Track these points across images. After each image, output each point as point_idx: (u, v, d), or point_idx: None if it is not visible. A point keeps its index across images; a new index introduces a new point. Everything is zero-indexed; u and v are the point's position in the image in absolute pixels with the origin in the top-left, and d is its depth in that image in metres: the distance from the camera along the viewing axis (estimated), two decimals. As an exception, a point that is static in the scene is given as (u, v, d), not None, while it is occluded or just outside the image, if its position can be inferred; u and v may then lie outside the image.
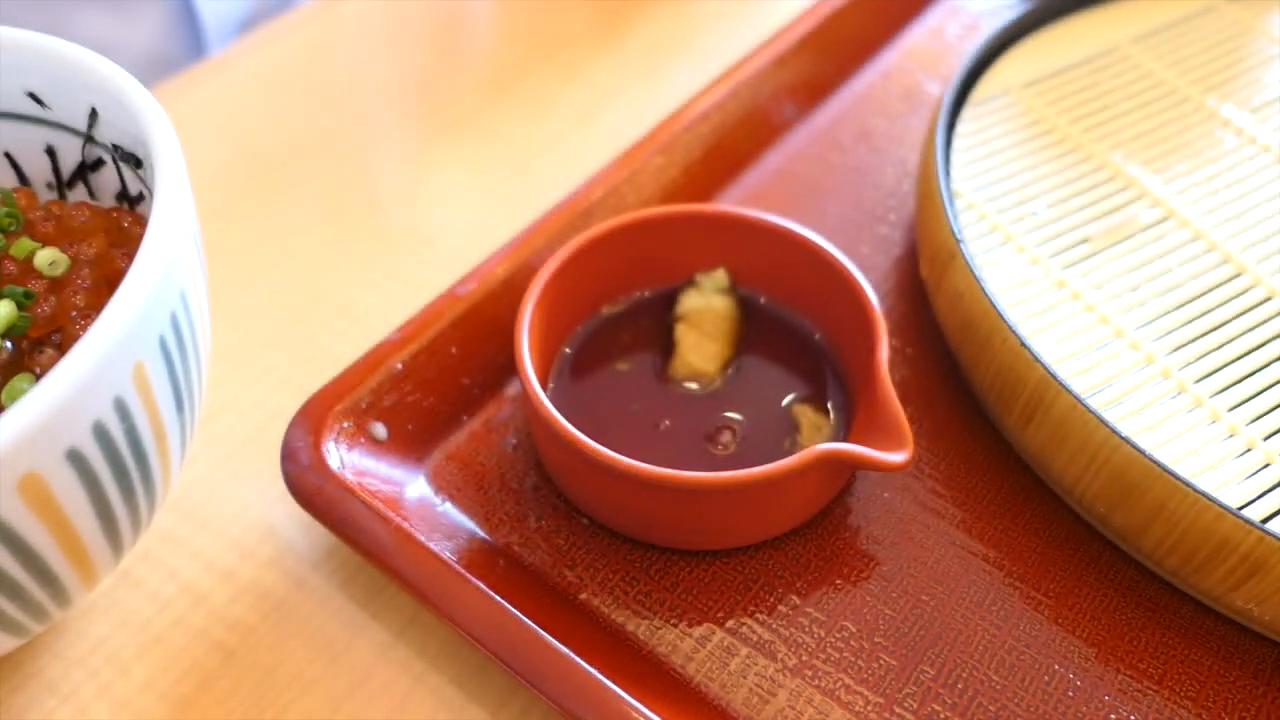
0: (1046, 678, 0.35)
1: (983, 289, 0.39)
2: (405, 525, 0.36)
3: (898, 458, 0.34)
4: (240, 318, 0.46)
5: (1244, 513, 0.34)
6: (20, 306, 0.33)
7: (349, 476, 0.37)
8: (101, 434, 0.28)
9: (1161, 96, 0.49)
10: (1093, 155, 0.46)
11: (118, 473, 0.30)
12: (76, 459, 0.28)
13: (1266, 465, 0.36)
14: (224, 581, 0.38)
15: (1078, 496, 0.37)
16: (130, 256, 0.34)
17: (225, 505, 0.40)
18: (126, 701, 0.35)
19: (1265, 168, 0.46)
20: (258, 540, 0.39)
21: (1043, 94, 0.49)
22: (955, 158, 0.46)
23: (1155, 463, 0.34)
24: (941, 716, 0.34)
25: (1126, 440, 0.35)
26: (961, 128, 0.47)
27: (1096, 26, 0.52)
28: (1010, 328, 0.38)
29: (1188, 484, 0.34)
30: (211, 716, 0.35)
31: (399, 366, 0.40)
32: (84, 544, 0.30)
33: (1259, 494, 0.35)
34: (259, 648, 0.37)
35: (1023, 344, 0.37)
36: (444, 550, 0.35)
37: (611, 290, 0.43)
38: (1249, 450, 0.37)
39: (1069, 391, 0.36)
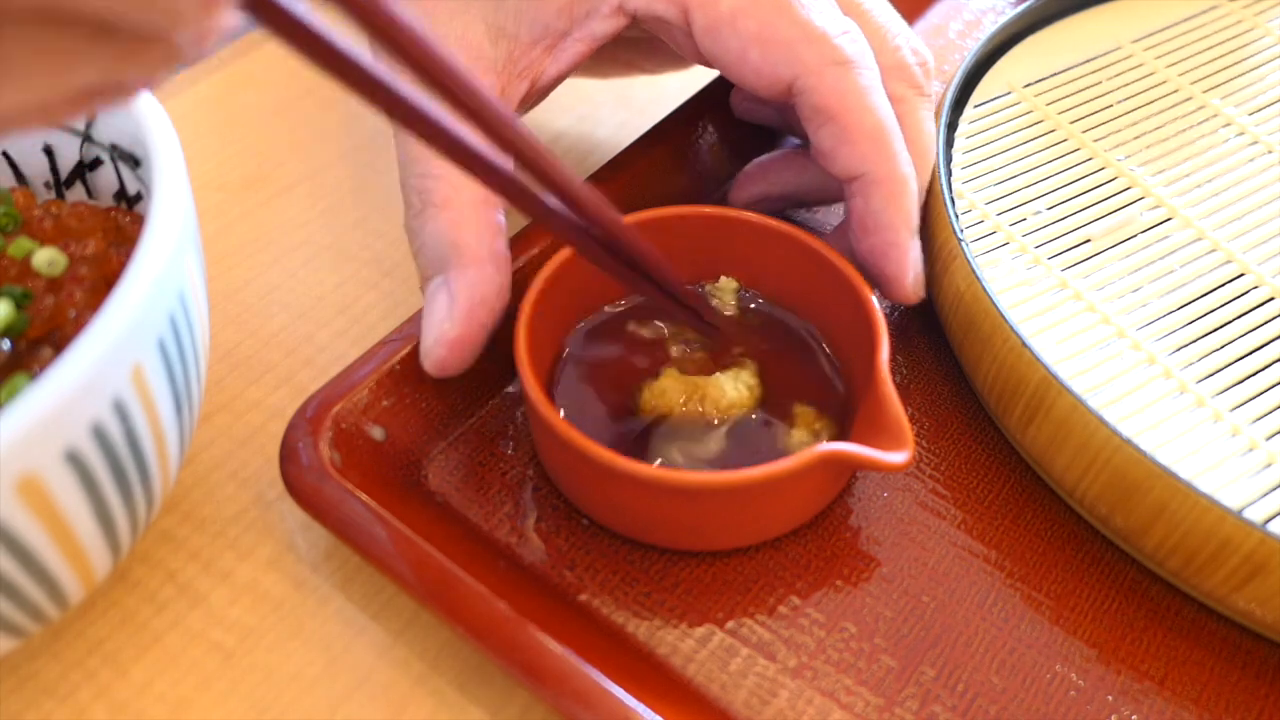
0: (1048, 678, 0.35)
1: (984, 289, 0.39)
2: (404, 526, 0.36)
3: (898, 458, 0.34)
4: (239, 317, 0.46)
5: (1246, 513, 0.34)
6: (19, 306, 0.33)
7: (348, 477, 0.37)
8: (100, 435, 0.28)
9: (1163, 96, 0.49)
10: (1094, 155, 0.46)
11: (116, 474, 0.30)
12: (74, 460, 0.28)
13: (1269, 465, 0.36)
14: (222, 582, 0.38)
15: (1079, 497, 0.37)
16: (129, 256, 0.34)
17: (224, 506, 0.40)
18: (125, 703, 0.35)
19: (1268, 168, 0.46)
20: (256, 541, 0.39)
21: (1044, 93, 0.49)
22: (956, 157, 0.46)
23: (1156, 464, 0.34)
24: (942, 718, 0.34)
25: (1128, 441, 0.35)
26: (963, 127, 0.47)
27: (1098, 26, 0.52)
28: (1011, 328, 0.38)
29: (1189, 485, 0.34)
30: (210, 717, 0.35)
31: (397, 367, 0.40)
32: (82, 545, 0.30)
33: (1262, 494, 0.35)
34: (258, 649, 0.36)
35: (1024, 344, 0.37)
36: (443, 551, 0.35)
37: (612, 290, 0.43)
38: (1252, 450, 0.37)
39: (1070, 392, 0.36)
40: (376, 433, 0.39)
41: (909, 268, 0.40)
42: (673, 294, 0.38)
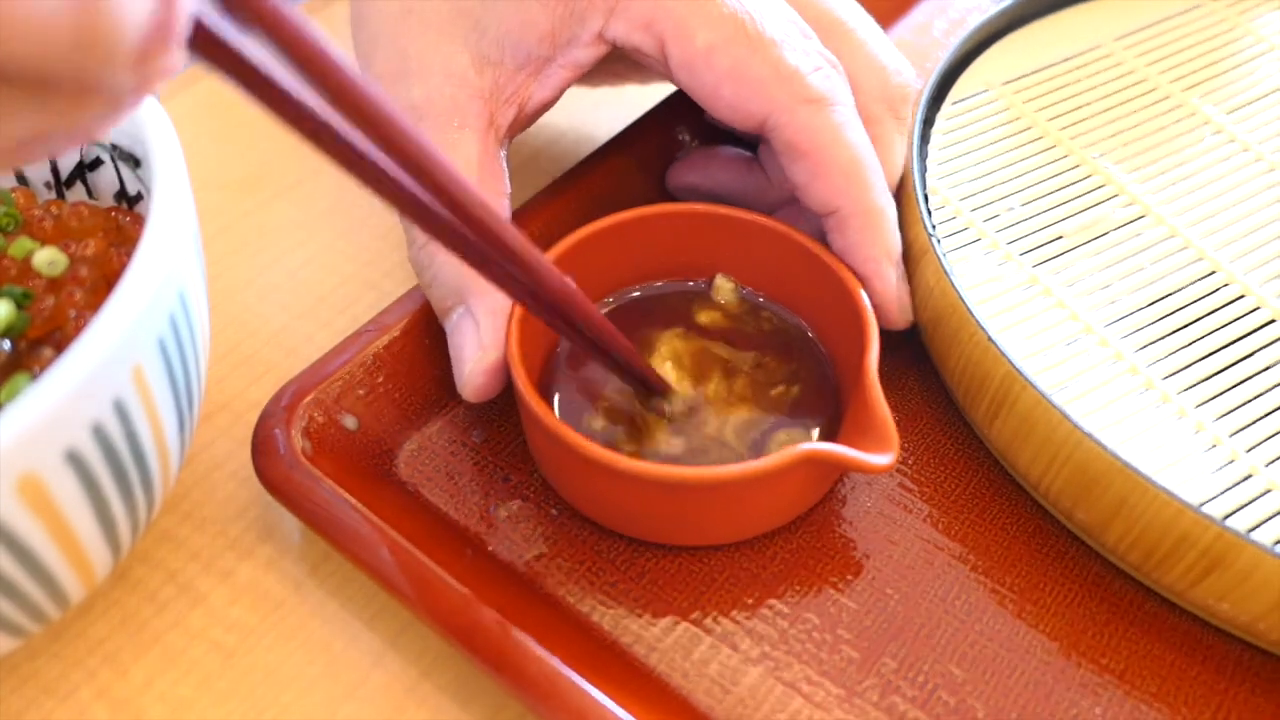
0: (1006, 671, 0.36)
1: (952, 284, 0.39)
2: (372, 514, 0.36)
3: (882, 460, 0.34)
4: (239, 318, 0.46)
5: (1206, 508, 0.34)
6: (19, 306, 0.33)
7: (319, 466, 0.37)
8: (100, 435, 0.28)
9: (1143, 95, 0.49)
10: (1071, 153, 0.47)
11: (116, 474, 0.30)
12: (75, 460, 0.28)
13: (1231, 461, 0.37)
14: (222, 582, 0.38)
15: (1043, 491, 0.38)
16: (129, 256, 0.34)
17: (224, 506, 0.40)
18: (125, 702, 0.35)
19: (1244, 166, 0.46)
20: (256, 541, 0.39)
21: (1022, 91, 0.49)
22: (932, 154, 0.46)
23: (1116, 458, 0.34)
24: (901, 708, 0.35)
25: (1088, 435, 0.35)
26: (940, 124, 0.47)
27: (1080, 24, 0.52)
28: (978, 323, 0.38)
29: (1148, 479, 0.34)
30: (210, 717, 0.35)
31: (371, 357, 0.40)
32: (82, 545, 0.30)
33: (1223, 490, 0.36)
34: (258, 649, 0.37)
35: (989, 339, 0.38)
36: (410, 539, 0.36)
37: (606, 286, 0.43)
38: (1215, 446, 0.37)
39: (1034, 387, 0.36)
40: (349, 422, 0.39)
41: (892, 296, 0.40)
42: (619, 361, 0.38)
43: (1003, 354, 0.37)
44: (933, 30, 0.58)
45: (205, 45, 0.22)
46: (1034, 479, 0.38)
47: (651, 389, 0.39)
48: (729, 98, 0.39)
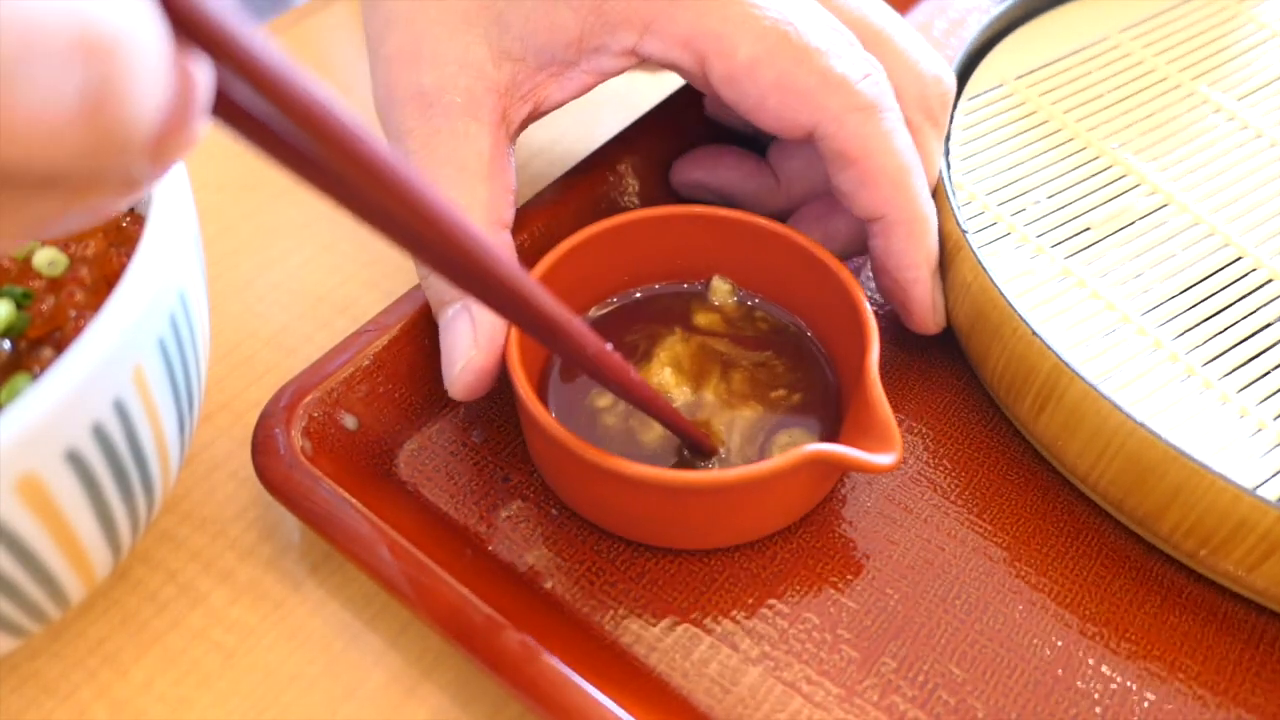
0: (1006, 671, 0.35)
1: (990, 280, 0.39)
2: (372, 514, 0.36)
3: (885, 460, 0.34)
4: (239, 317, 0.46)
5: (1259, 492, 0.34)
6: (19, 306, 0.33)
7: (319, 465, 0.37)
8: (100, 435, 0.28)
9: (1153, 84, 0.50)
10: (1089, 144, 0.47)
11: (116, 474, 0.30)
12: (75, 460, 0.28)
13: (1278, 445, 0.36)
14: (223, 582, 0.38)
15: (1093, 483, 0.38)
16: (129, 256, 0.35)
17: (224, 506, 0.40)
18: (125, 702, 0.35)
19: (1258, 152, 0.47)
20: (256, 541, 0.39)
21: (1036, 84, 0.49)
22: (954, 150, 0.46)
23: (1172, 446, 0.34)
24: (900, 709, 0.34)
25: (1141, 425, 0.35)
26: (959, 120, 0.47)
27: (1086, 16, 0.52)
28: (1020, 317, 0.38)
29: (1205, 466, 0.34)
30: (210, 717, 0.35)
31: (371, 357, 0.40)
32: (82, 545, 0.30)
33: (1272, 474, 0.36)
34: (258, 649, 0.37)
35: (1033, 333, 0.37)
36: (410, 539, 0.35)
37: (603, 289, 0.43)
38: (1260, 431, 0.37)
39: (1082, 379, 0.36)
40: (349, 421, 0.39)
41: (930, 301, 0.40)
42: (664, 421, 0.37)
43: (1048, 347, 0.37)
44: (933, 30, 0.58)
45: (225, 112, 0.21)
46: (1083, 471, 0.38)
47: (697, 450, 0.38)
48: (775, 108, 0.38)
